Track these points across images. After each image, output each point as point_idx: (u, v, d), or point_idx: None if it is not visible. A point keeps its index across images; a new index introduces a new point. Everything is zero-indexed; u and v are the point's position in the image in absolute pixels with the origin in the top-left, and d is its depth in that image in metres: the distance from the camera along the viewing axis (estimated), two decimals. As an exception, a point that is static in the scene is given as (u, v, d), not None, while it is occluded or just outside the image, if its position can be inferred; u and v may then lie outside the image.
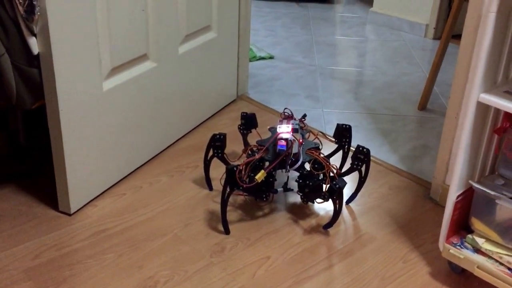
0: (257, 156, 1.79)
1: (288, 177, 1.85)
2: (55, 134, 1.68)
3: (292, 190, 1.86)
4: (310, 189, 1.77)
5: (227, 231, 1.78)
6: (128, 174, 2.02)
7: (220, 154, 1.89)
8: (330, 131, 2.45)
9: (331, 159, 1.97)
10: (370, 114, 2.65)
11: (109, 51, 1.76)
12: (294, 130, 1.83)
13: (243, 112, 2.03)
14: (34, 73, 1.62)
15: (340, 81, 2.97)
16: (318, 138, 1.99)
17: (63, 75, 1.61)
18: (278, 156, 1.76)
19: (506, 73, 1.55)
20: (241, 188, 1.72)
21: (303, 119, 1.96)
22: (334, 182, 1.75)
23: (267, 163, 1.81)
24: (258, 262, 1.69)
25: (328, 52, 3.33)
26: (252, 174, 1.73)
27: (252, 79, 2.88)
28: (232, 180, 1.71)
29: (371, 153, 2.29)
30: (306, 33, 3.63)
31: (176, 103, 2.18)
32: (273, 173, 1.78)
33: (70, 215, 1.81)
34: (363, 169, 1.91)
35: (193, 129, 2.35)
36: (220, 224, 1.80)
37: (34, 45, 1.58)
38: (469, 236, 1.59)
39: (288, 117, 1.90)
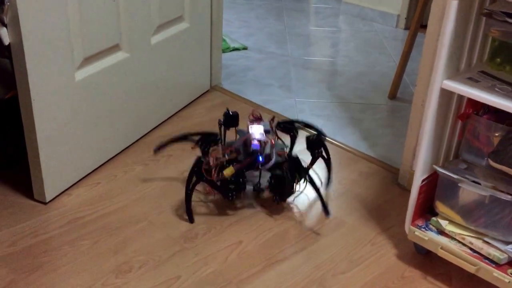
0: (227, 152, 1.81)
1: (259, 177, 1.86)
2: (28, 124, 1.70)
3: (263, 190, 1.88)
4: (282, 186, 1.81)
5: (191, 220, 1.81)
6: (103, 163, 2.05)
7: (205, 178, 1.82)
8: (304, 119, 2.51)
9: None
10: (342, 103, 2.70)
11: (81, 41, 1.78)
12: (266, 131, 1.84)
13: (227, 110, 1.93)
14: (6, 64, 1.64)
15: (313, 71, 3.02)
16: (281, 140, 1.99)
17: (34, 65, 1.63)
18: (251, 155, 1.79)
19: (469, 60, 1.61)
20: (204, 179, 1.76)
21: (271, 121, 1.93)
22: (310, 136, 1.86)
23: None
24: (230, 247, 1.73)
25: (301, 43, 3.37)
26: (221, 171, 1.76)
27: (226, 70, 2.91)
28: (198, 170, 1.75)
29: (342, 141, 2.36)
30: (280, 24, 3.66)
31: (150, 93, 2.20)
32: (244, 172, 1.80)
33: (45, 203, 1.83)
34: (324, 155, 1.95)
35: (167, 119, 2.38)
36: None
37: (5, 35, 1.59)
38: (434, 218, 1.64)
39: (257, 119, 1.90)
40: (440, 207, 1.63)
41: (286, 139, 1.94)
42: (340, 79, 2.96)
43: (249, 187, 1.85)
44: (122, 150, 2.14)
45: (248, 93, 2.71)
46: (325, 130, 2.42)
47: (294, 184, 1.85)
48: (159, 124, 2.33)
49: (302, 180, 1.85)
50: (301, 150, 1.93)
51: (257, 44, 3.31)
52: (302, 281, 1.62)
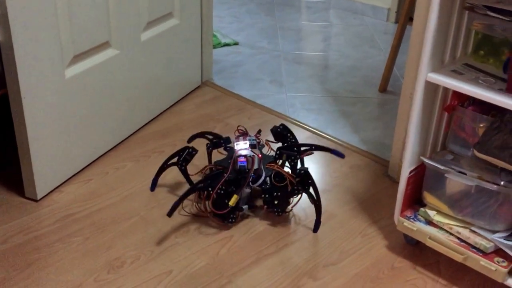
0: (220, 183, 1.73)
1: (251, 194, 1.84)
2: (19, 122, 1.71)
3: (257, 206, 1.88)
4: (280, 198, 1.77)
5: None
6: (94, 160, 2.06)
7: (183, 168, 1.88)
8: (293, 115, 2.52)
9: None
10: (333, 97, 2.71)
11: (70, 39, 1.79)
12: (252, 146, 1.79)
13: (215, 134, 1.96)
14: (-5, 62, 1.65)
15: (304, 66, 3.03)
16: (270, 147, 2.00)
17: (24, 63, 1.64)
18: (239, 173, 1.75)
19: (453, 53, 1.62)
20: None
21: (258, 135, 1.91)
22: (298, 169, 1.77)
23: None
24: (221, 242, 1.74)
25: (292, 38, 3.39)
26: (226, 201, 1.73)
27: (217, 65, 2.92)
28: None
29: (333, 135, 2.38)
30: (271, 19, 3.67)
31: (140, 89, 2.21)
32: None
33: (36, 201, 1.84)
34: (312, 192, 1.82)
35: (158, 115, 2.39)
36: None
37: (-5, 34, 1.60)
38: (422, 209, 1.66)
39: (243, 134, 1.86)
40: (428, 197, 1.65)
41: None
42: (331, 73, 2.97)
43: (245, 206, 1.82)
44: (114, 147, 2.15)
45: (239, 88, 2.72)
46: (316, 123, 2.46)
47: (289, 191, 1.79)
48: (150, 120, 2.34)
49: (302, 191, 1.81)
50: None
51: (248, 39, 3.33)
52: (293, 273, 1.63)
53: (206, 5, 2.53)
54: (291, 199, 1.83)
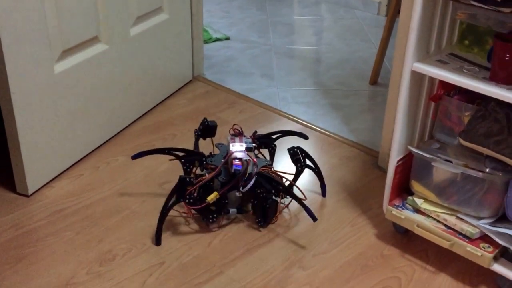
0: (208, 176, 1.72)
1: (241, 198, 1.79)
2: (8, 118, 1.72)
3: (247, 212, 1.83)
4: (267, 209, 1.75)
5: (158, 242, 1.69)
6: (86, 155, 2.07)
7: (192, 200, 1.71)
8: (284, 108, 2.54)
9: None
10: (323, 90, 2.73)
11: (59, 34, 1.80)
12: (248, 149, 1.75)
13: (205, 119, 1.89)
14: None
15: (295, 60, 3.05)
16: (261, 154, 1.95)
17: (13, 58, 1.65)
18: (233, 177, 1.71)
19: (438, 43, 1.64)
20: (186, 201, 1.68)
21: (253, 136, 1.87)
22: (290, 148, 1.83)
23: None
24: (213, 233, 1.76)
25: (283, 32, 3.40)
26: (203, 194, 1.69)
27: (208, 60, 2.93)
28: (181, 190, 1.67)
29: (324, 127, 2.39)
30: (262, 14, 3.68)
31: (131, 84, 2.23)
32: (226, 194, 1.73)
33: (28, 196, 1.85)
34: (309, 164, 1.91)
35: (149, 110, 2.40)
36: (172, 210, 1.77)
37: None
38: (410, 197, 1.68)
39: (239, 134, 1.81)
40: (416, 186, 1.67)
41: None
42: (322, 67, 2.98)
43: (233, 210, 1.78)
44: (105, 142, 2.16)
45: (230, 83, 2.74)
46: (307, 116, 2.47)
47: (278, 204, 1.80)
48: (142, 115, 2.35)
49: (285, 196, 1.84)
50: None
51: (239, 34, 3.34)
52: (283, 263, 1.65)
53: (196, 0, 2.54)
54: (278, 209, 1.81)
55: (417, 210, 1.66)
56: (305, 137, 1.95)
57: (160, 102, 2.47)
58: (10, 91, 1.67)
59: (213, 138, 1.93)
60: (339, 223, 1.83)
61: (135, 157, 1.81)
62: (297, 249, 1.71)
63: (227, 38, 3.25)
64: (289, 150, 1.88)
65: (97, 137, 2.11)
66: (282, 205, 1.87)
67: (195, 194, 1.68)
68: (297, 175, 1.89)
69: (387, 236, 1.77)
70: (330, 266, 1.65)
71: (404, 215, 1.65)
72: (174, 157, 1.85)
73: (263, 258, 1.67)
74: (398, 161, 1.67)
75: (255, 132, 1.90)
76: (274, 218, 1.81)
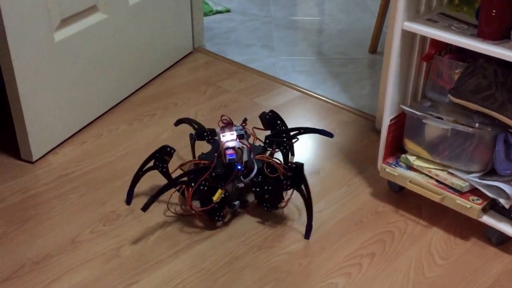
0: (202, 177, 1.59)
1: (243, 188, 1.68)
2: (11, 85, 1.77)
3: (248, 202, 1.74)
4: (271, 193, 1.65)
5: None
6: (88, 124, 2.13)
7: (164, 169, 1.69)
8: (284, 77, 2.57)
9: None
10: (323, 60, 2.76)
11: (57, 2, 1.84)
12: (240, 136, 1.65)
13: (199, 126, 1.80)
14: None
15: (295, 31, 3.07)
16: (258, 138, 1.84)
17: (13, 26, 1.69)
18: (229, 167, 1.61)
19: (428, 3, 1.66)
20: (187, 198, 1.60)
21: (244, 124, 1.75)
22: (290, 163, 1.63)
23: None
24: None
25: (284, 4, 3.41)
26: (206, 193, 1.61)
27: (209, 32, 2.96)
28: (160, 156, 1.64)
29: (322, 94, 2.43)
30: (263, -13, 3.69)
31: (131, 54, 2.27)
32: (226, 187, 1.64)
33: (32, 162, 1.91)
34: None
35: (150, 81, 2.45)
36: (168, 211, 1.75)
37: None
38: (403, 155, 1.72)
39: (228, 124, 1.70)
40: (409, 144, 1.71)
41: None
42: (323, 37, 3.01)
43: (236, 202, 1.68)
44: (107, 111, 2.21)
45: (231, 54, 2.77)
46: (306, 85, 2.51)
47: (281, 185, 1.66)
48: (143, 85, 2.40)
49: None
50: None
51: (240, 6, 3.36)
52: (280, 222, 1.70)
53: (195, -29, 2.57)
54: (284, 193, 1.71)
55: (410, 167, 1.70)
56: (330, 135, 1.79)
57: (161, 73, 2.51)
58: (11, 58, 1.71)
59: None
60: (336, 183, 1.87)
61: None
62: (293, 209, 1.75)
63: (228, 11, 3.28)
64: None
65: (98, 106, 2.16)
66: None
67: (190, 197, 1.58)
68: (285, 156, 1.77)
69: (382, 194, 1.82)
70: (326, 223, 1.70)
71: (397, 172, 1.70)
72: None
73: (261, 217, 1.72)
74: (391, 120, 1.71)
75: (245, 119, 1.78)
76: (282, 202, 1.71)
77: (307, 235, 1.65)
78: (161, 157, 1.67)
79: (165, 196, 1.65)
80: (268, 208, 1.68)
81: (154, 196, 1.58)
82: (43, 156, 1.94)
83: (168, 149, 1.66)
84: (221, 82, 2.49)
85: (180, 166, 1.74)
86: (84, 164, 1.93)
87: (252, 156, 1.65)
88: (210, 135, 1.74)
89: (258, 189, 1.65)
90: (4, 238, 1.62)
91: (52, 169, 1.89)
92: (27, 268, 1.53)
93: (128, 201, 1.76)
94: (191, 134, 1.78)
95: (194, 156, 1.80)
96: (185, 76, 2.52)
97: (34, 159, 1.91)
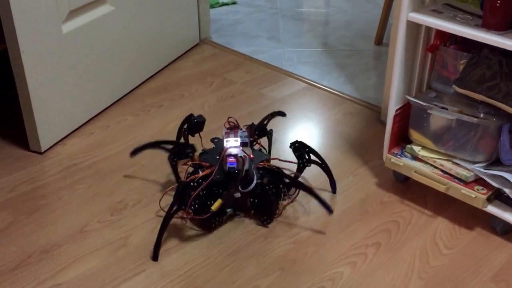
0: (204, 184, 1.57)
1: (240, 198, 1.64)
2: (19, 77, 1.79)
3: (240, 214, 1.70)
4: (268, 207, 1.65)
5: (155, 257, 1.55)
6: (96, 115, 2.14)
7: (174, 163, 1.73)
8: (290, 68, 2.58)
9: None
10: (329, 51, 2.77)
11: (65, -5, 1.86)
12: (243, 144, 1.62)
13: (191, 115, 1.78)
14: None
15: (301, 22, 3.08)
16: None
17: (21, 17, 1.71)
18: (229, 175, 1.58)
19: (434, -7, 1.67)
20: (192, 209, 1.58)
21: (250, 128, 1.77)
22: (292, 142, 1.68)
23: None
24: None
25: (290, -5, 3.42)
26: (208, 203, 1.58)
27: (215, 24, 2.97)
28: (181, 198, 1.55)
29: (328, 85, 2.44)
30: (269, -21, 3.70)
31: (138, 46, 2.28)
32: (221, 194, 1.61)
33: (41, 153, 1.93)
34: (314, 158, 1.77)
35: (157, 72, 2.46)
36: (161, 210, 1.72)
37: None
38: (408, 146, 1.73)
39: (234, 127, 1.69)
40: (414, 134, 1.72)
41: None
42: (328, 28, 3.02)
43: (229, 210, 1.66)
44: (114, 102, 2.23)
45: (237, 45, 2.78)
46: (312, 76, 2.52)
47: (280, 201, 1.70)
48: (150, 77, 2.41)
49: (290, 191, 1.74)
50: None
51: (246, -2, 3.37)
52: (286, 211, 1.72)
53: (201, -37, 2.58)
54: (281, 202, 1.71)
55: (415, 158, 1.71)
56: (282, 114, 1.90)
57: (168, 64, 2.53)
58: (20, 51, 1.73)
59: (201, 133, 1.80)
60: (341, 173, 1.89)
61: (132, 154, 1.77)
62: (299, 198, 1.77)
63: (234, 3, 3.28)
64: (290, 146, 1.74)
65: (106, 98, 2.17)
66: (287, 199, 1.75)
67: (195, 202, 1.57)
68: (299, 170, 1.76)
69: (387, 184, 1.83)
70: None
71: (402, 162, 1.71)
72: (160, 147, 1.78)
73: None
74: (397, 111, 1.72)
75: (252, 124, 1.79)
76: (278, 212, 1.70)
77: (333, 190, 1.78)
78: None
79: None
80: (265, 222, 1.66)
81: (158, 241, 1.55)
82: (52, 147, 1.96)
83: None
84: (228, 73, 2.50)
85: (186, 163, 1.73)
86: (92, 154, 1.95)
87: (253, 166, 1.62)
88: (191, 151, 1.70)
89: (255, 200, 1.64)
90: (12, 228, 1.64)
91: (60, 160, 1.91)
92: (36, 257, 1.55)
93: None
94: (170, 157, 1.72)
95: (178, 178, 1.76)
96: (192, 67, 2.53)
97: (42, 150, 1.93)
